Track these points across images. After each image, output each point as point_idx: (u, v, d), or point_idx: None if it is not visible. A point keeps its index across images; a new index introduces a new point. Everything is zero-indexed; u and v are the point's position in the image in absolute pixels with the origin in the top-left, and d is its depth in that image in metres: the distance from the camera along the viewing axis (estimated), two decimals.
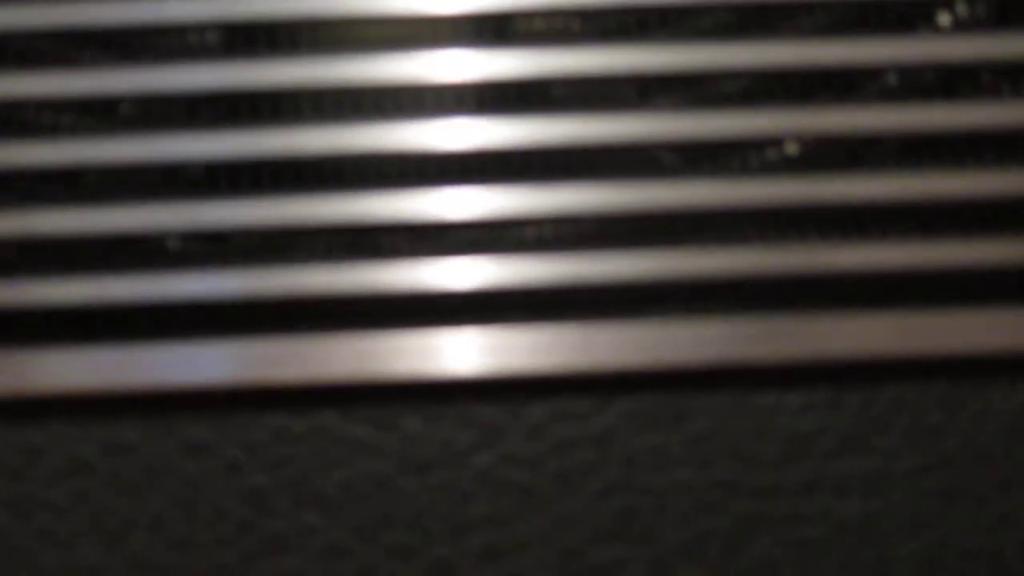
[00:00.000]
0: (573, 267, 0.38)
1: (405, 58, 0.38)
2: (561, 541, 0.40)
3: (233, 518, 0.39)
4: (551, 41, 0.39)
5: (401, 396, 0.39)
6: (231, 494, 0.39)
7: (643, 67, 0.38)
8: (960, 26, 0.39)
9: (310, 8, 0.38)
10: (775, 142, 0.39)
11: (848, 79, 0.39)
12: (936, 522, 0.40)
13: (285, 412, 0.39)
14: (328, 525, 0.40)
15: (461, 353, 0.38)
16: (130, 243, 0.38)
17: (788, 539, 0.40)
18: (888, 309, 0.39)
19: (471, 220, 0.38)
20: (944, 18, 0.39)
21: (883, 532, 0.40)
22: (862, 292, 0.39)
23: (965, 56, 0.39)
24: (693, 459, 0.40)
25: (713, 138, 0.39)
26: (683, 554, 0.40)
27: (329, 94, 0.38)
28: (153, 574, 0.39)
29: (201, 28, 0.38)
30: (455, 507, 0.40)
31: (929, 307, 0.39)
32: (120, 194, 0.38)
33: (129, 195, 0.38)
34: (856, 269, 0.38)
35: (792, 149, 0.39)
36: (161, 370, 0.38)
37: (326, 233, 0.39)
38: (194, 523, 0.39)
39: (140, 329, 0.38)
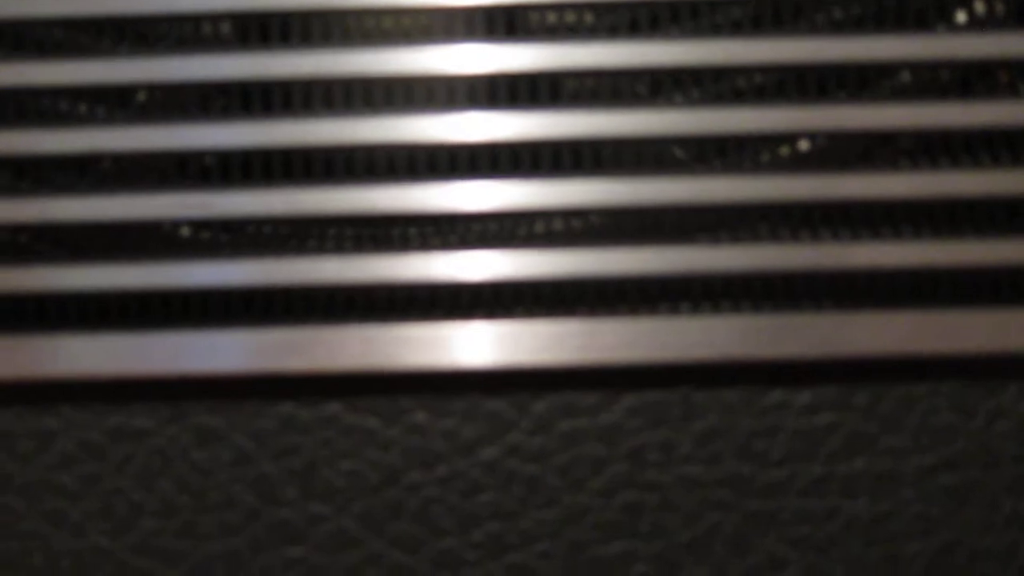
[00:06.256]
0: (582, 261, 0.38)
1: (417, 51, 0.38)
2: (567, 535, 0.40)
3: (241, 506, 0.40)
4: (563, 35, 0.39)
5: (409, 388, 0.40)
6: (239, 482, 0.40)
7: (656, 62, 0.38)
8: (977, 24, 0.39)
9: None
10: (788, 139, 0.39)
11: (863, 76, 0.39)
12: (946, 522, 0.40)
13: (294, 402, 0.40)
14: (335, 515, 0.40)
15: (469, 345, 0.38)
16: (143, 231, 0.39)
17: (796, 537, 0.40)
18: (899, 308, 0.38)
19: (481, 213, 0.38)
20: (961, 16, 0.39)
21: (892, 532, 0.40)
22: (873, 290, 0.38)
23: (982, 54, 0.38)
24: (701, 455, 0.40)
25: (725, 134, 0.39)
26: (690, 550, 0.40)
27: (340, 86, 0.38)
28: (161, 560, 0.40)
29: (215, 18, 0.38)
30: (462, 499, 0.40)
31: (941, 306, 0.38)
32: (134, 182, 0.39)
33: (143, 183, 0.39)
34: (867, 267, 0.38)
35: (805, 146, 0.39)
36: (172, 358, 0.38)
37: (337, 224, 0.39)
38: (202, 510, 0.40)
39: (152, 317, 0.38)
